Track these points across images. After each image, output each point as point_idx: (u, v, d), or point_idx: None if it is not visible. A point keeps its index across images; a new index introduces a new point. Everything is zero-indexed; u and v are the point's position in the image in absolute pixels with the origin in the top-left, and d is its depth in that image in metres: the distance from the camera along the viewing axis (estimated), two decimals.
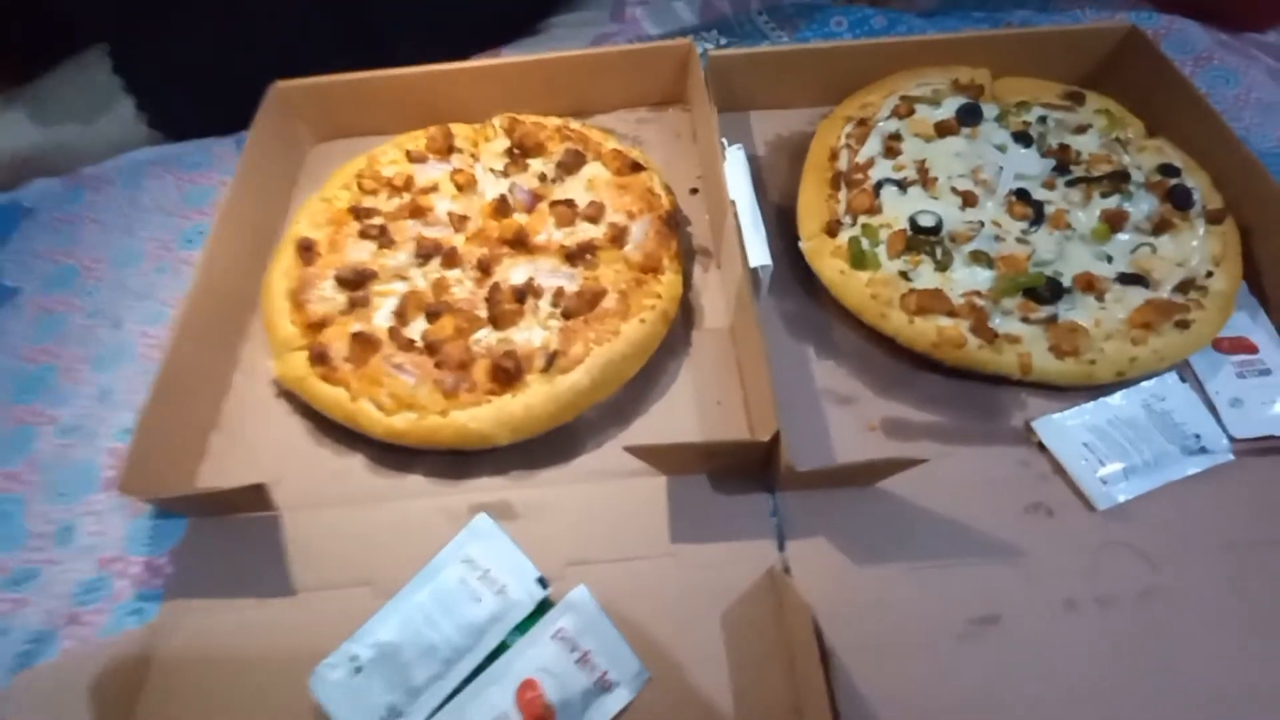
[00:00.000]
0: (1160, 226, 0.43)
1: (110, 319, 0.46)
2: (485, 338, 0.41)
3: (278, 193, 0.53)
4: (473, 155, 0.51)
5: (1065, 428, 0.38)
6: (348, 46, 0.59)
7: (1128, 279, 0.41)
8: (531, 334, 0.40)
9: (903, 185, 0.45)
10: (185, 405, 0.39)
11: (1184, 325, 0.39)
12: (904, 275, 0.41)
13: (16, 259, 0.50)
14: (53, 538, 0.38)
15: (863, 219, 0.44)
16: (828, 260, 0.43)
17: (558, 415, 0.38)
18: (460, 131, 0.52)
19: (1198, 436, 0.38)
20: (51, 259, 0.50)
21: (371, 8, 0.58)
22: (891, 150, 0.47)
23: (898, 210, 0.44)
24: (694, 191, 0.51)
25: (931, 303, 0.40)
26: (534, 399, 0.38)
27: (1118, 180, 0.44)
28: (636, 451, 0.34)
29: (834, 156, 0.48)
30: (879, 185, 0.45)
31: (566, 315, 0.40)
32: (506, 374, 0.38)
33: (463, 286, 0.43)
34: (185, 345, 0.40)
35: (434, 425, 0.38)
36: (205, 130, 0.57)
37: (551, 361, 0.38)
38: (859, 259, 0.42)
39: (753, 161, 0.51)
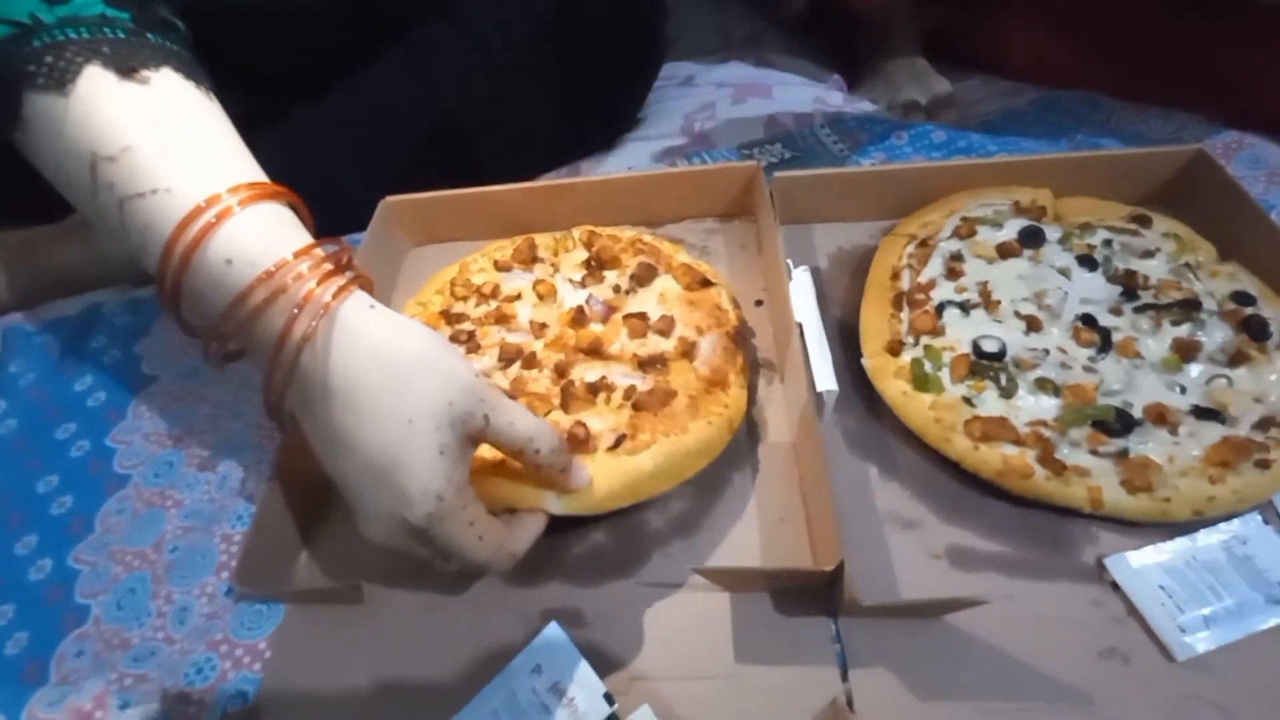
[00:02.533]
0: (1236, 358, 0.42)
1: (232, 410, 0.52)
2: (557, 419, 0.43)
3: (380, 295, 0.58)
4: (553, 265, 0.56)
5: (1140, 568, 0.37)
6: (443, 160, 0.66)
7: (1203, 413, 0.40)
8: (603, 420, 0.42)
9: (965, 307, 0.47)
10: (293, 499, 0.44)
11: (1264, 465, 0.38)
12: (968, 400, 0.42)
13: (155, 349, 0.57)
14: (171, 617, 0.42)
15: (925, 340, 0.45)
16: (891, 380, 0.44)
17: (616, 495, 0.39)
18: (543, 242, 0.57)
19: None
20: (184, 350, 0.56)
21: (465, 130, 0.65)
22: (953, 271, 0.49)
23: (960, 333, 0.45)
24: (759, 304, 0.54)
25: (996, 430, 0.40)
26: (596, 470, 0.39)
27: (1188, 308, 0.45)
28: (706, 573, 0.36)
29: (896, 275, 0.50)
30: (941, 307, 0.47)
31: (637, 408, 0.43)
32: (575, 439, 0.40)
33: (539, 384, 0.47)
34: (295, 438, 0.44)
35: (493, 482, 0.39)
36: (314, 235, 0.65)
37: (619, 443, 0.40)
38: (922, 381, 0.44)
39: (815, 274, 0.54)
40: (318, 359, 0.32)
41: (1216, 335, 0.43)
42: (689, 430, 0.41)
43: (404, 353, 0.33)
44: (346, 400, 0.32)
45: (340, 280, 0.32)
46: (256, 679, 0.39)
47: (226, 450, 0.49)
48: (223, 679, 0.39)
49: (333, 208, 0.64)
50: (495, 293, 0.53)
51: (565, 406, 0.43)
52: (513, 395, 0.45)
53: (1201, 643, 0.35)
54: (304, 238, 0.33)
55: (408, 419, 0.32)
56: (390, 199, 0.59)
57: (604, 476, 0.39)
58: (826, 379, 0.42)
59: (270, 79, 0.64)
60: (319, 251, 0.33)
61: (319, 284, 0.31)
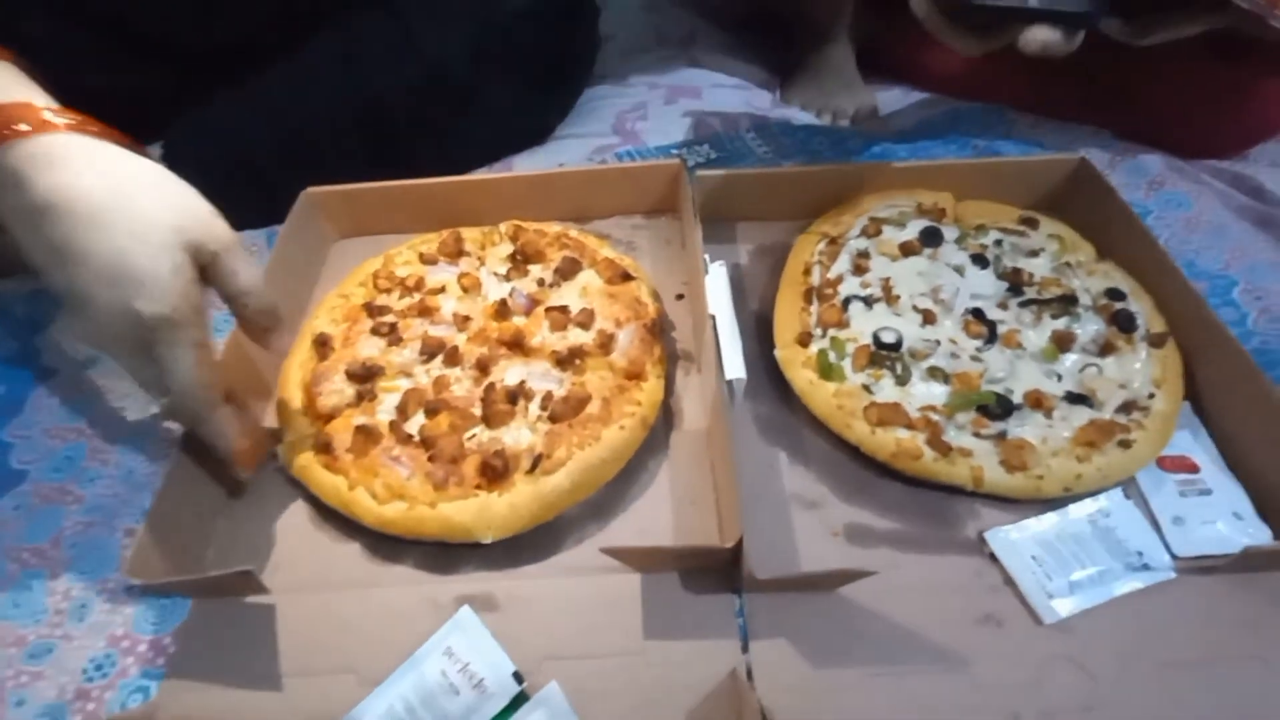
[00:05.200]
0: (1106, 348, 0.46)
1: (138, 402, 0.50)
2: (478, 434, 0.44)
3: (301, 287, 0.57)
4: (479, 259, 0.56)
5: (1015, 540, 0.41)
6: (371, 152, 0.66)
7: (1074, 398, 0.44)
8: (520, 435, 0.44)
9: (869, 302, 0.49)
10: (197, 491, 0.43)
11: (1126, 445, 0.42)
12: (867, 388, 0.45)
13: (56, 342, 0.55)
14: (69, 614, 0.40)
15: (831, 332, 0.48)
16: (799, 370, 0.47)
17: (539, 515, 0.41)
18: (469, 235, 0.57)
19: (1140, 553, 0.40)
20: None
21: (395, 122, 0.64)
22: (860, 268, 0.51)
23: (863, 325, 0.48)
24: (680, 297, 0.55)
25: (891, 415, 0.43)
26: (518, 498, 0.41)
27: (1066, 303, 0.48)
28: (612, 552, 0.37)
29: (808, 271, 0.53)
30: (847, 301, 0.49)
31: (553, 419, 0.44)
32: (494, 471, 0.41)
33: (461, 385, 0.47)
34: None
35: (421, 516, 0.40)
36: (239, 225, 0.63)
37: (536, 464, 0.41)
38: (827, 370, 0.46)
39: (735, 269, 0.56)
40: (40, 173, 0.33)
41: (1090, 327, 0.47)
42: (602, 439, 0.42)
43: (129, 174, 0.35)
44: (64, 214, 0.33)
45: (75, 117, 0.34)
46: (159, 673, 0.38)
47: (130, 443, 0.48)
48: (123, 674, 0.38)
49: (251, 195, 0.63)
50: (419, 285, 0.54)
51: (488, 421, 0.44)
52: (435, 401, 0.45)
53: (1065, 607, 0.38)
54: (40, 94, 0.35)
55: (130, 231, 0.33)
56: (313, 189, 0.58)
57: (525, 501, 0.40)
58: (736, 367, 0.44)
59: (192, 56, 0.63)
60: (54, 104, 0.35)
61: (54, 114, 0.34)
